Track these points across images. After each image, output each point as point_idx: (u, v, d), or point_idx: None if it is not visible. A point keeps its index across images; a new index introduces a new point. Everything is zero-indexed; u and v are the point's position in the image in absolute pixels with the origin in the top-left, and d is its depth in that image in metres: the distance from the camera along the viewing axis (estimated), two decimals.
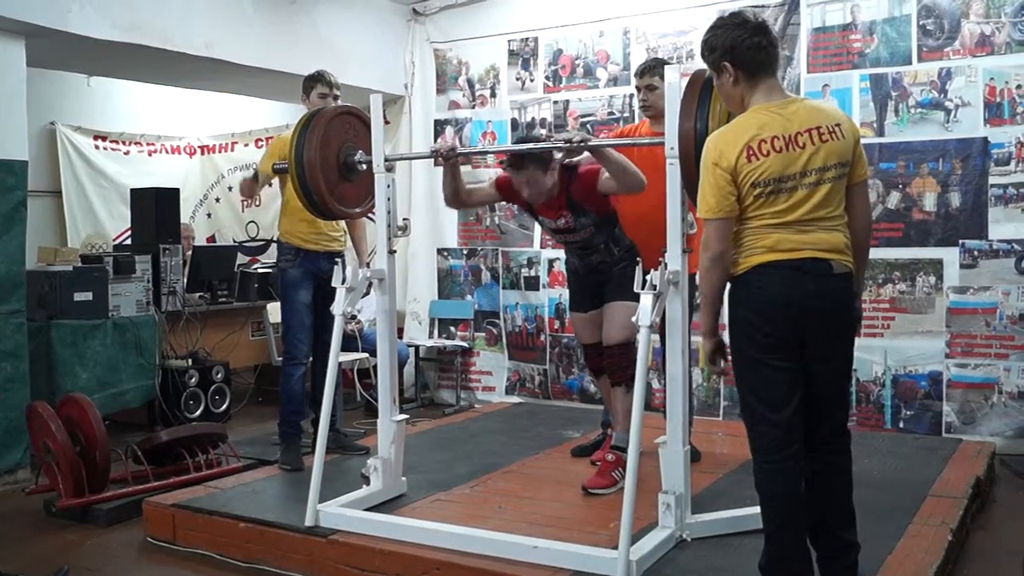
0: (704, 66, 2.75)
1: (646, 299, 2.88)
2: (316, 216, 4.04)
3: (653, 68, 3.95)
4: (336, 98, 4.39)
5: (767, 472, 2.55)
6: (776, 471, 2.53)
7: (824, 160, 2.48)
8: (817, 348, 2.52)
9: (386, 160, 3.66)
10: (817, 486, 2.59)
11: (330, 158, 3.71)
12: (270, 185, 4.71)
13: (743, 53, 2.52)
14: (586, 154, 3.57)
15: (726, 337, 2.63)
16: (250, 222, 7.84)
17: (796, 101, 2.59)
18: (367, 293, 3.77)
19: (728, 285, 2.58)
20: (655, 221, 3.44)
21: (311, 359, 4.52)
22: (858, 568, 2.61)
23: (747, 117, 2.54)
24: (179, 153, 8.00)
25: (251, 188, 4.53)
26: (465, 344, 6.28)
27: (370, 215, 4.03)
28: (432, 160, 3.68)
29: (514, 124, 6.13)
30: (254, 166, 4.61)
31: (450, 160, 3.61)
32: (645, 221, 3.60)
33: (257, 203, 7.67)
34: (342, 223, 4.46)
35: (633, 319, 2.91)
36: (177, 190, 6.02)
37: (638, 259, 3.38)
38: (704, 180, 2.54)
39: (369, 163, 3.69)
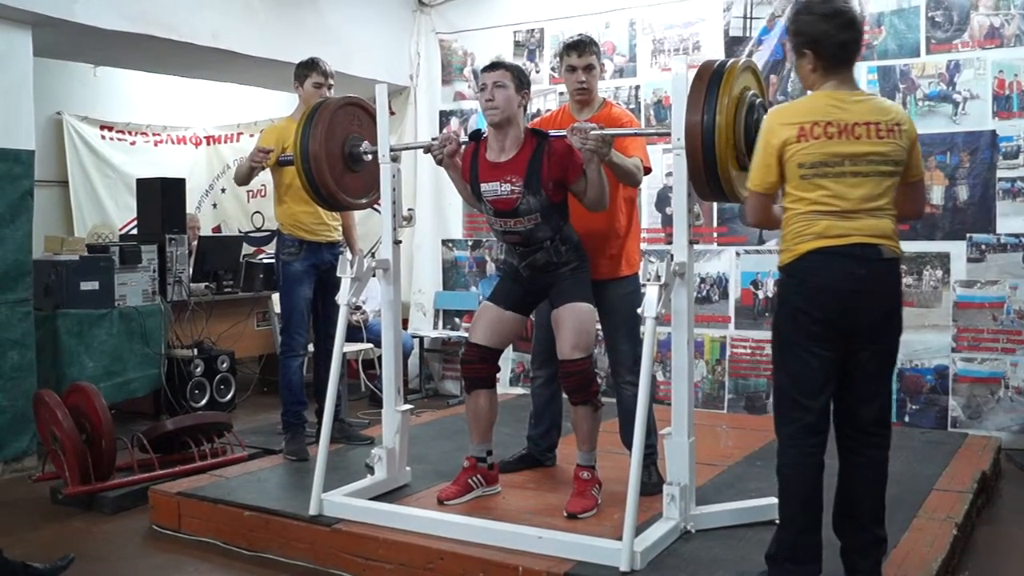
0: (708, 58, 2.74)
1: (651, 290, 2.87)
2: (323, 207, 4.02)
3: (593, 44, 3.54)
4: (331, 87, 4.34)
5: (793, 456, 2.56)
6: (802, 456, 2.55)
7: (876, 155, 2.48)
8: (865, 334, 2.52)
9: (391, 150, 3.65)
10: (853, 478, 2.60)
11: (335, 149, 3.71)
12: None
13: (828, 48, 2.52)
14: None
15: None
16: (255, 212, 7.83)
17: (862, 94, 2.59)
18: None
19: (778, 275, 2.62)
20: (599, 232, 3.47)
21: (310, 350, 4.52)
22: (882, 564, 2.61)
23: (810, 99, 2.56)
24: (185, 143, 7.99)
25: (249, 172, 4.27)
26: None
27: (375, 206, 4.01)
28: None
29: None
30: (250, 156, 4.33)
31: (438, 160, 3.45)
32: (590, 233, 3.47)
33: (263, 193, 7.68)
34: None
35: (639, 310, 2.88)
36: (183, 180, 6.01)
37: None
38: (756, 153, 2.58)
39: (374, 154, 3.68)
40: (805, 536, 2.55)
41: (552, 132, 3.36)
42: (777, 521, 2.69)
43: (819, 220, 2.49)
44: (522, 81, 3.29)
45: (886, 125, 2.49)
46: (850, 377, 2.56)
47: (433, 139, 3.58)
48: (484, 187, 3.33)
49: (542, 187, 3.24)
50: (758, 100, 2.95)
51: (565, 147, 3.23)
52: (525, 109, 3.35)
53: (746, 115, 2.87)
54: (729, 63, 2.91)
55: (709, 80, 2.87)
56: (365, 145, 3.74)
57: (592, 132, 3.12)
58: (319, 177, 3.66)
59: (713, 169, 2.85)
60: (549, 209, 3.27)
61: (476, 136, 3.44)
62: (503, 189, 3.27)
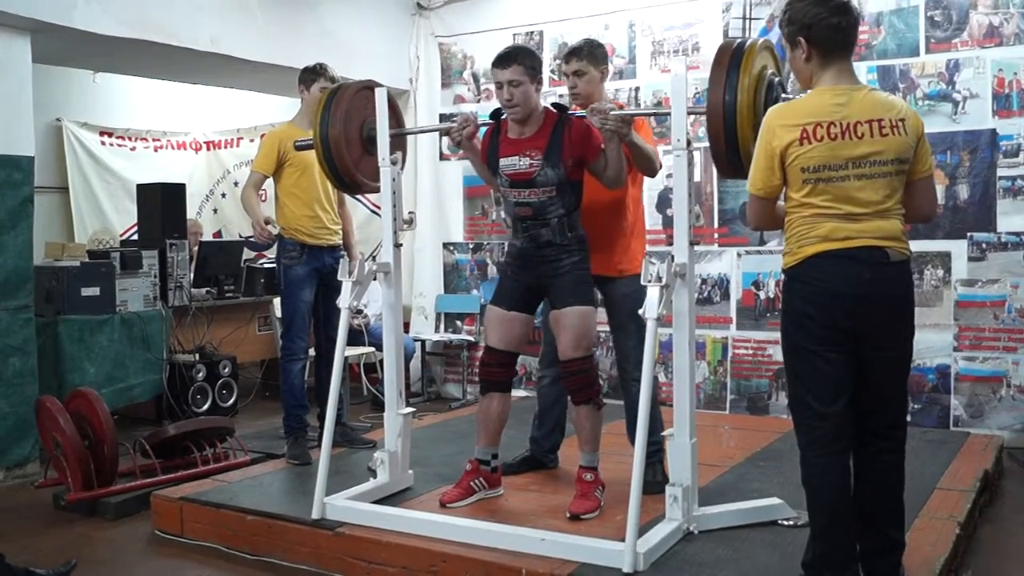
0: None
1: (653, 291, 2.87)
2: (344, 191, 4.02)
3: (582, 51, 3.60)
4: None
5: (817, 466, 2.50)
6: (826, 465, 2.48)
7: (880, 154, 2.41)
8: (874, 338, 2.46)
9: (392, 136, 3.64)
10: (868, 481, 2.54)
11: (353, 134, 3.72)
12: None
13: (821, 32, 2.45)
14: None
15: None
16: None
17: (862, 89, 2.50)
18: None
19: (783, 277, 2.56)
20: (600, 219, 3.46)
21: (311, 353, 4.52)
22: (901, 568, 2.57)
23: (809, 99, 2.49)
24: (185, 149, 8.00)
25: (254, 195, 4.36)
26: (471, 338, 6.28)
27: (377, 212, 4.02)
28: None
29: None
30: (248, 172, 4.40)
31: (456, 141, 3.47)
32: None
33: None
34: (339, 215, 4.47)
35: (640, 311, 2.88)
36: (183, 185, 6.00)
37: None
38: (756, 155, 2.52)
39: (392, 136, 3.68)
40: (841, 544, 2.48)
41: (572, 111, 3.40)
42: (780, 521, 2.68)
43: (824, 222, 2.43)
44: (535, 69, 3.31)
45: (890, 121, 2.41)
46: (862, 382, 2.49)
47: (452, 120, 3.60)
48: (503, 161, 3.36)
49: (561, 162, 3.27)
50: (776, 79, 2.98)
51: (584, 127, 3.27)
52: (538, 83, 3.34)
53: (766, 93, 2.90)
54: (748, 43, 2.93)
55: (731, 57, 2.89)
56: None
57: (612, 112, 3.17)
58: (339, 161, 3.67)
59: (735, 146, 2.87)
60: (565, 184, 3.29)
61: (496, 115, 3.46)
62: (522, 163, 3.31)
